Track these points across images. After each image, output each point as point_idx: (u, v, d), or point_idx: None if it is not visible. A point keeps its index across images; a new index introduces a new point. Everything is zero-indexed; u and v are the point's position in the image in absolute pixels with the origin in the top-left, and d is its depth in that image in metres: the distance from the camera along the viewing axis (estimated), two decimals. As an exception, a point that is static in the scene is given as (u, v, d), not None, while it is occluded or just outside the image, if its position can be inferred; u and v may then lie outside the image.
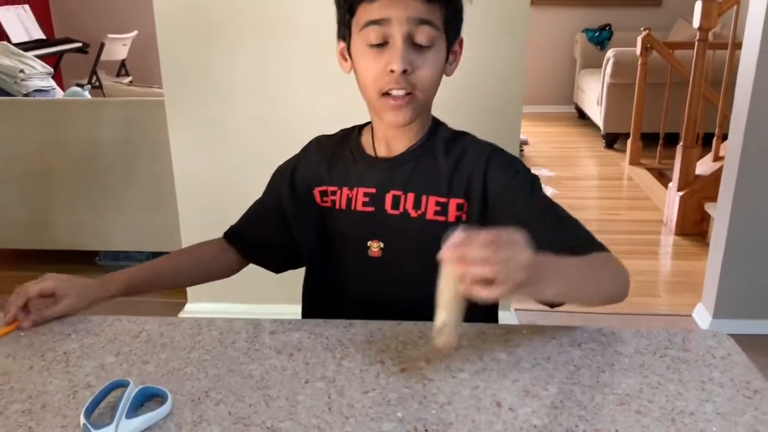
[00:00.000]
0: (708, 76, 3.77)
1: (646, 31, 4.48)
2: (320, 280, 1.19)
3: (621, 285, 0.98)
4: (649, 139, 4.73)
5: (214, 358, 0.93)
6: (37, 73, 3.61)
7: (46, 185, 3.08)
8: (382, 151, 1.12)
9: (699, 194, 3.53)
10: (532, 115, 6.14)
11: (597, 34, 6.16)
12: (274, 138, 2.41)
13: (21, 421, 0.80)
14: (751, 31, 2.41)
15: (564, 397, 0.82)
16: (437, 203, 1.07)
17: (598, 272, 0.96)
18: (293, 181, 1.18)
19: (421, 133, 1.11)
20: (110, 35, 5.63)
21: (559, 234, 1.02)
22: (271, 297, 2.21)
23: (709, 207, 3.41)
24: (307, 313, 1.21)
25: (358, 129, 1.18)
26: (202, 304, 2.67)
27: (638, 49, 4.56)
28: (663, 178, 4.39)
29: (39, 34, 5.79)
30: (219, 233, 1.27)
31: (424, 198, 1.07)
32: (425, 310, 0.85)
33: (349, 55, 1.07)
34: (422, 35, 0.99)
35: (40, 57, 4.14)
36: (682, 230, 3.58)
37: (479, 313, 0.94)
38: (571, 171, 4.83)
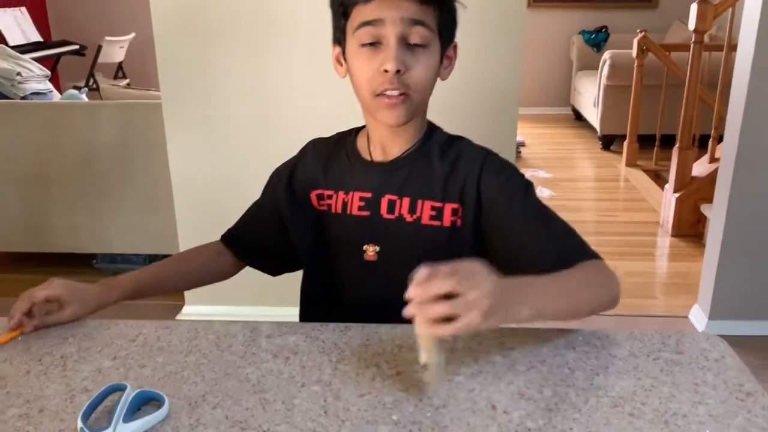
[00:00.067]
0: (704, 78, 3.79)
1: (642, 33, 4.50)
2: (317, 283, 1.19)
3: (608, 295, 0.97)
4: (645, 141, 4.74)
5: (210, 361, 0.93)
6: (34, 76, 3.62)
7: (43, 188, 3.08)
8: (377, 155, 1.12)
9: (695, 196, 3.54)
10: (529, 117, 6.15)
11: (593, 36, 6.18)
12: (271, 140, 2.41)
13: (18, 425, 0.80)
14: (746, 33, 2.42)
15: (558, 399, 0.83)
16: (432, 208, 1.07)
17: (582, 286, 0.95)
18: (291, 183, 1.19)
19: (417, 137, 1.11)
20: (107, 38, 5.64)
21: (552, 239, 1.03)
22: (269, 299, 2.22)
23: (705, 208, 3.42)
24: (304, 316, 1.21)
25: (355, 132, 1.18)
26: (200, 307, 2.68)
27: (634, 51, 4.58)
28: (659, 179, 4.41)
29: (36, 37, 5.80)
30: (216, 235, 1.28)
31: (419, 203, 1.08)
32: None
33: (345, 59, 1.07)
34: (416, 36, 1.00)
35: (37, 59, 4.15)
36: (678, 231, 3.59)
37: None
38: (568, 173, 4.84)
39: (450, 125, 2.54)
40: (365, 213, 1.11)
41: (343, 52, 1.08)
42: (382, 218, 1.09)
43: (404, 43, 1.00)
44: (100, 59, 5.63)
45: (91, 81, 5.60)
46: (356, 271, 1.13)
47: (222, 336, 1.00)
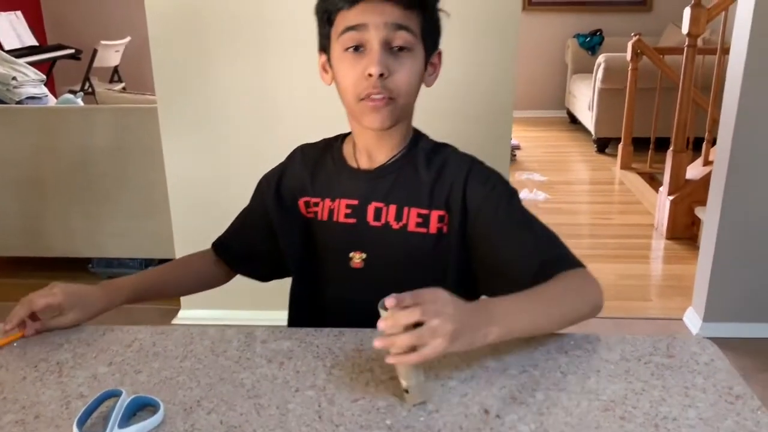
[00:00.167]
0: (698, 81, 3.80)
1: (637, 37, 4.52)
2: (305, 289, 1.20)
3: (589, 305, 0.98)
4: (640, 144, 4.76)
5: (206, 366, 0.94)
6: (29, 81, 3.61)
7: (39, 192, 3.09)
8: (363, 162, 1.13)
9: (689, 198, 3.55)
10: (524, 120, 6.17)
11: (588, 39, 6.20)
12: (267, 144, 2.42)
13: (14, 431, 0.80)
14: (738, 37, 2.44)
15: (550, 403, 0.84)
16: (419, 215, 1.08)
17: (558, 300, 0.96)
18: (279, 190, 1.19)
19: (403, 143, 1.12)
20: (103, 42, 5.64)
21: (536, 247, 1.04)
22: (265, 303, 2.22)
23: (699, 211, 3.43)
24: (293, 322, 1.22)
25: (341, 139, 1.19)
26: (196, 311, 2.68)
27: (629, 55, 4.59)
28: (654, 182, 4.42)
29: (31, 41, 5.79)
30: (212, 239, 1.29)
31: (405, 210, 1.09)
32: None
33: (330, 66, 1.08)
34: (399, 40, 1.01)
35: (32, 64, 4.14)
36: (673, 234, 3.61)
37: None
38: (563, 175, 4.86)
39: (445, 128, 2.54)
40: (352, 220, 1.11)
41: (329, 59, 1.08)
42: (369, 225, 1.10)
43: (388, 48, 1.01)
44: (96, 63, 5.63)
45: (87, 85, 5.59)
46: (343, 278, 1.13)
47: (217, 341, 1.00)
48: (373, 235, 1.10)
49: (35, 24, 6.11)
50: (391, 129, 1.07)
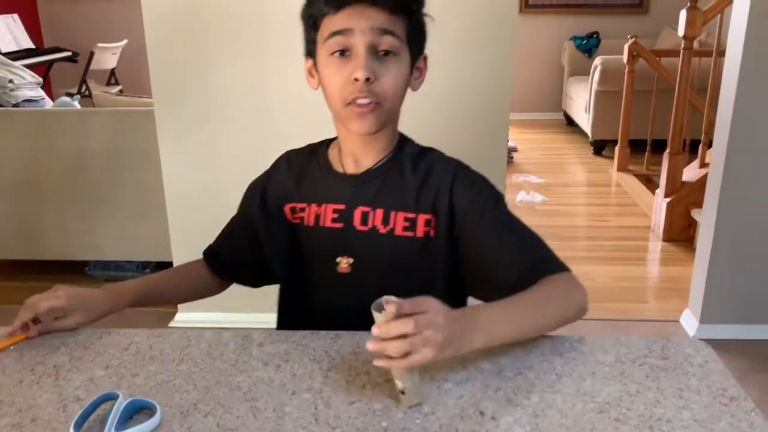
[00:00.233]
0: (694, 84, 3.82)
1: (633, 39, 4.53)
2: (292, 295, 1.20)
3: (573, 308, 1.00)
4: (636, 146, 4.77)
5: (202, 370, 0.94)
6: (26, 83, 3.62)
7: (36, 195, 3.09)
8: (349, 167, 1.13)
9: (686, 200, 3.56)
10: (521, 122, 6.18)
11: (585, 41, 6.21)
12: (264, 147, 2.41)
13: (11, 434, 0.81)
14: (733, 39, 2.45)
15: (545, 405, 0.84)
16: (406, 219, 1.08)
17: (542, 305, 0.98)
18: (264, 198, 1.19)
19: (388, 148, 1.12)
20: (100, 44, 5.64)
21: (522, 251, 1.05)
22: (261, 306, 2.22)
23: (695, 213, 3.44)
24: (281, 326, 1.22)
25: (326, 144, 1.19)
26: (192, 314, 2.68)
27: (625, 57, 4.60)
28: (650, 184, 4.43)
29: (28, 44, 5.79)
30: (209, 242, 1.29)
31: (392, 214, 1.09)
32: None
33: (316, 71, 1.08)
34: (385, 45, 1.01)
35: (29, 66, 4.14)
36: (669, 236, 3.62)
37: None
38: (560, 178, 4.86)
39: (442, 130, 2.56)
40: (338, 225, 1.11)
41: (315, 64, 1.09)
42: (356, 230, 1.10)
43: (374, 52, 1.01)
44: (93, 66, 5.62)
45: (84, 88, 5.59)
46: (330, 283, 1.13)
47: (213, 344, 1.01)
48: (360, 240, 1.10)
49: (32, 27, 6.11)
50: (377, 133, 1.07)
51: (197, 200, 2.58)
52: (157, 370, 0.94)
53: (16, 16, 5.82)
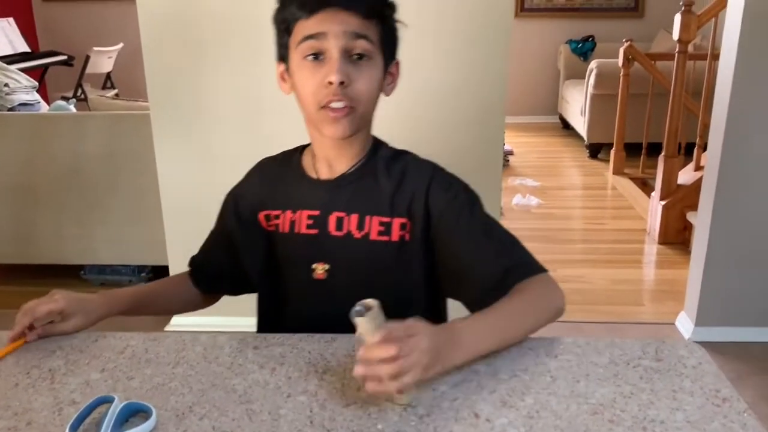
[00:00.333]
0: (689, 87, 3.83)
1: (628, 43, 4.54)
2: (269, 302, 1.20)
3: (551, 311, 1.01)
4: (632, 149, 4.78)
5: (198, 373, 0.94)
6: (21, 87, 3.61)
7: (31, 199, 3.08)
8: (323, 173, 1.12)
9: (681, 203, 3.57)
10: (517, 126, 6.19)
11: (580, 45, 6.23)
12: (260, 151, 2.41)
13: (6, 437, 0.81)
14: (727, 43, 2.46)
15: (540, 407, 0.84)
16: (381, 223, 1.08)
17: (520, 312, 0.99)
18: (238, 207, 1.20)
19: (362, 152, 1.12)
20: (95, 48, 5.64)
21: (498, 254, 1.05)
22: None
23: (691, 216, 3.45)
24: (261, 331, 1.22)
25: (300, 150, 1.18)
26: (188, 318, 2.67)
27: (620, 61, 4.62)
28: (646, 187, 4.44)
29: (24, 47, 5.78)
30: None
31: (367, 219, 1.08)
32: None
33: (289, 75, 1.08)
34: (359, 49, 1.01)
35: (24, 70, 4.14)
36: (665, 239, 3.63)
37: None
38: (556, 181, 4.88)
39: (438, 134, 2.56)
40: (313, 231, 1.11)
41: (287, 69, 1.09)
42: (331, 236, 1.10)
43: (347, 56, 1.01)
44: (88, 70, 5.62)
45: (79, 91, 5.59)
46: (306, 290, 1.13)
47: (209, 347, 1.01)
48: (336, 246, 1.10)
49: (27, 30, 6.10)
50: (351, 138, 1.07)
51: (193, 203, 2.58)
52: (153, 373, 0.94)
53: (11, 19, 5.82)
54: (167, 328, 2.67)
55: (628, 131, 4.76)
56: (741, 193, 2.52)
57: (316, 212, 1.11)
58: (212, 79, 2.44)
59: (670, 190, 3.63)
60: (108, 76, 5.97)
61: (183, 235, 2.57)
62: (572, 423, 0.81)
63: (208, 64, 2.43)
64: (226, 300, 1.35)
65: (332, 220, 1.10)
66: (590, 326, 2.75)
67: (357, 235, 1.09)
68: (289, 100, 2.62)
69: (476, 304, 1.04)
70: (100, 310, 1.09)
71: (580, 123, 5.52)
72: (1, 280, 3.19)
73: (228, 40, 2.39)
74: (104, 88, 5.95)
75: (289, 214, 1.13)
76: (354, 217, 1.09)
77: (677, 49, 3.50)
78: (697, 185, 3.19)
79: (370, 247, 1.08)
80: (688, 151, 3.81)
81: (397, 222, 1.08)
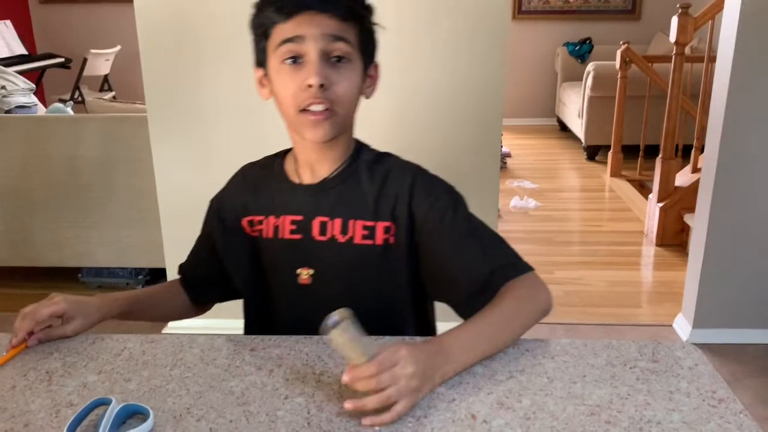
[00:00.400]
0: (686, 89, 3.84)
1: (626, 45, 4.55)
2: (255, 308, 1.21)
3: (539, 311, 1.02)
4: (629, 151, 4.79)
5: (195, 375, 0.94)
6: (19, 90, 3.61)
7: (28, 202, 3.08)
8: (306, 177, 1.12)
9: (678, 205, 3.58)
10: (514, 128, 6.20)
11: (577, 47, 6.24)
12: (257, 153, 2.42)
13: (3, 439, 0.81)
14: (724, 45, 2.46)
15: (537, 408, 0.84)
16: (364, 227, 1.08)
17: (512, 317, 0.99)
18: (221, 213, 1.20)
19: (345, 156, 1.12)
20: (93, 50, 5.63)
21: (484, 255, 1.05)
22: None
23: (688, 218, 3.46)
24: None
25: (282, 155, 1.18)
26: (185, 320, 2.67)
27: (618, 63, 4.63)
28: (644, 189, 4.45)
29: (21, 50, 5.78)
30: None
31: (351, 223, 1.08)
32: None
33: (268, 80, 1.08)
34: (337, 51, 1.01)
35: (21, 73, 4.14)
36: (662, 241, 3.63)
37: (409, 331, 1.02)
38: (554, 183, 4.88)
39: (435, 136, 2.56)
40: (297, 236, 1.11)
41: (266, 74, 1.08)
42: (315, 240, 1.10)
43: (326, 59, 1.01)
44: (86, 72, 5.62)
45: (77, 94, 5.59)
46: (291, 295, 1.13)
47: (206, 349, 1.01)
48: (320, 250, 1.09)
49: (25, 33, 6.10)
50: (332, 141, 1.07)
51: (191, 206, 2.56)
52: (150, 375, 0.94)
53: (8, 22, 5.82)
54: (164, 331, 2.67)
55: (626, 133, 4.77)
56: (738, 194, 2.53)
57: (300, 217, 1.11)
58: (210, 82, 2.45)
59: (668, 192, 3.63)
60: (105, 78, 5.97)
61: (180, 237, 2.55)
62: (569, 424, 0.81)
63: (206, 66, 2.43)
64: (223, 303, 1.35)
65: (316, 224, 1.10)
66: (588, 328, 2.76)
67: (341, 239, 1.08)
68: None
69: (463, 306, 1.04)
70: (99, 312, 1.09)
71: (577, 125, 5.53)
72: (-1, 283, 3.19)
73: (225, 42, 2.39)
74: (101, 90, 5.95)
75: (272, 219, 1.13)
76: (338, 222, 1.09)
77: (674, 52, 3.51)
78: (694, 187, 3.20)
79: (354, 251, 1.08)
80: (685, 153, 3.82)
81: (381, 226, 1.08)
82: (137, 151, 2.85)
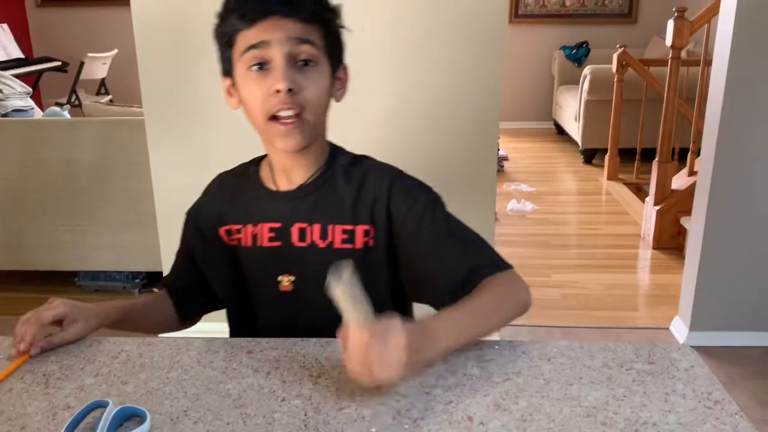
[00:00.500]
0: (683, 93, 3.85)
1: (622, 49, 4.56)
2: (238, 316, 1.20)
3: (518, 306, 1.02)
4: (626, 155, 4.80)
5: (192, 377, 0.94)
6: (15, 93, 3.62)
7: (25, 205, 3.07)
8: (282, 184, 1.12)
9: (675, 208, 3.58)
10: (512, 131, 6.21)
11: (574, 51, 6.25)
12: (254, 156, 2.43)
13: (0, 442, 0.81)
14: (720, 49, 2.47)
15: (533, 410, 0.85)
16: (344, 231, 1.08)
17: (490, 308, 1.00)
18: (197, 224, 1.19)
19: (320, 160, 1.12)
20: (90, 54, 5.63)
21: (463, 254, 1.06)
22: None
23: (684, 221, 3.47)
24: None
25: (256, 162, 1.18)
26: (183, 323, 2.67)
27: (614, 66, 4.64)
28: (640, 192, 4.46)
29: (17, 53, 5.78)
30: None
31: (330, 228, 1.08)
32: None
33: (235, 89, 1.08)
34: (304, 54, 1.01)
35: (18, 76, 4.14)
36: (659, 244, 3.64)
37: None
38: (551, 186, 4.89)
39: (432, 140, 2.55)
40: (276, 243, 1.10)
41: (233, 83, 1.08)
42: (294, 247, 1.09)
43: (293, 63, 1.01)
44: (83, 76, 5.62)
45: (74, 97, 5.58)
46: (273, 302, 1.13)
47: (203, 352, 1.01)
48: (300, 257, 1.09)
49: (21, 36, 6.10)
50: (306, 148, 1.06)
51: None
52: (147, 378, 0.94)
53: (5, 25, 5.81)
54: (162, 334, 2.67)
55: (622, 137, 4.77)
56: (734, 197, 2.53)
57: (278, 224, 1.10)
58: (207, 85, 2.44)
59: (664, 195, 3.64)
60: (102, 82, 5.97)
61: (177, 241, 2.56)
62: (565, 426, 0.81)
63: (203, 69, 2.43)
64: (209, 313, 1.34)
65: (295, 231, 1.09)
66: (585, 331, 2.76)
67: (321, 244, 1.08)
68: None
69: (443, 305, 1.04)
70: (97, 318, 1.08)
71: (574, 128, 5.54)
72: (-5, 287, 3.19)
73: (223, 46, 2.40)
74: (98, 94, 5.94)
75: (250, 227, 1.12)
76: (317, 227, 1.09)
77: (670, 55, 3.51)
78: (690, 190, 3.21)
79: (334, 255, 1.06)
80: (681, 156, 3.83)
81: (360, 229, 1.08)
82: (134, 155, 2.84)
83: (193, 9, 2.38)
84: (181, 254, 1.26)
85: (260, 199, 1.13)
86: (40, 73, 5.77)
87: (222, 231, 1.16)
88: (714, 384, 0.89)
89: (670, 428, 0.80)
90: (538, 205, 4.34)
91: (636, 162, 4.59)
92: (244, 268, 1.15)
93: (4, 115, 3.42)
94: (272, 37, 0.99)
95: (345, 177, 1.10)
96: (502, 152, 5.22)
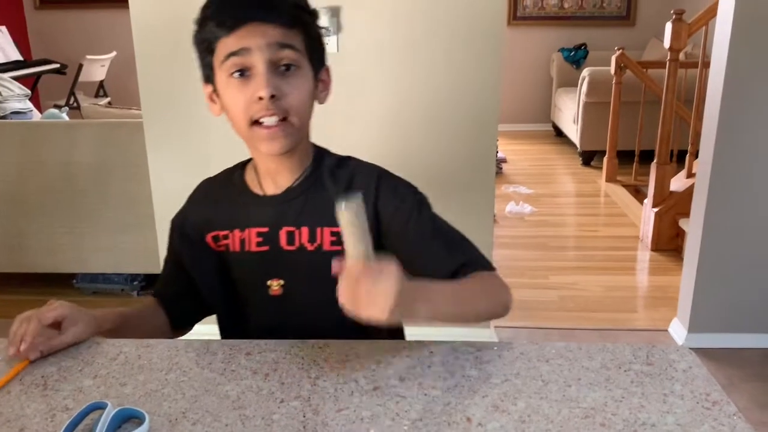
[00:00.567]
0: (681, 95, 3.85)
1: (620, 51, 4.57)
2: (228, 321, 1.20)
3: (500, 304, 1.04)
4: (624, 157, 4.80)
5: (190, 379, 0.94)
6: (14, 95, 3.62)
7: (23, 208, 3.07)
8: (269, 188, 1.12)
9: (673, 210, 3.59)
10: (510, 134, 6.22)
11: (573, 53, 6.26)
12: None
13: (-1, 444, 0.81)
14: (718, 51, 2.48)
15: (532, 411, 0.85)
16: (332, 233, 1.08)
17: (476, 294, 1.02)
18: (184, 230, 1.19)
19: (306, 162, 1.11)
20: (88, 56, 5.64)
21: (449, 253, 1.07)
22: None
23: (683, 223, 3.47)
24: None
25: (241, 167, 1.18)
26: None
27: (613, 68, 4.64)
28: (639, 194, 4.46)
29: (16, 56, 5.78)
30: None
31: (318, 230, 1.08)
32: (331, 336, 0.97)
33: (217, 96, 1.07)
34: (285, 59, 1.01)
35: (17, 78, 4.14)
36: (657, 246, 3.64)
37: (381, 334, 1.01)
38: (549, 188, 4.89)
39: (430, 142, 2.56)
40: (264, 248, 1.10)
41: (215, 90, 1.08)
42: (283, 251, 1.09)
43: (274, 69, 1.00)
44: (81, 78, 5.62)
45: (72, 100, 5.58)
46: (263, 307, 1.13)
47: (202, 354, 1.01)
48: (289, 260, 1.09)
49: (20, 39, 6.10)
50: (290, 151, 1.06)
51: (186, 211, 2.57)
52: (146, 380, 0.94)
53: (4, 28, 5.81)
54: (160, 336, 2.67)
55: (621, 139, 4.78)
56: (733, 199, 2.54)
57: (265, 229, 1.10)
58: (206, 87, 2.45)
59: (663, 197, 3.64)
60: (101, 84, 5.97)
61: (176, 242, 2.57)
62: (564, 427, 0.81)
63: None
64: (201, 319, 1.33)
65: (283, 235, 1.09)
66: (583, 333, 2.76)
67: (310, 247, 1.08)
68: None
69: None
70: (95, 322, 1.07)
71: (572, 130, 5.55)
72: (-7, 289, 3.18)
73: (221, 48, 2.40)
74: (97, 96, 5.94)
75: (237, 233, 1.12)
76: (305, 230, 1.09)
77: (668, 57, 3.52)
78: (689, 192, 3.21)
79: (323, 258, 1.05)
80: (680, 158, 3.83)
81: None
82: (133, 157, 2.84)
83: (191, 11, 2.37)
84: (168, 261, 1.25)
85: (247, 204, 1.13)
86: (38, 75, 5.76)
87: (209, 237, 1.15)
88: (712, 385, 0.89)
89: (668, 429, 0.81)
90: (536, 207, 4.34)
91: (634, 164, 4.59)
92: (233, 273, 1.15)
93: (3, 118, 3.43)
94: (253, 44, 0.99)
95: (332, 179, 1.10)
96: (500, 154, 5.22)
